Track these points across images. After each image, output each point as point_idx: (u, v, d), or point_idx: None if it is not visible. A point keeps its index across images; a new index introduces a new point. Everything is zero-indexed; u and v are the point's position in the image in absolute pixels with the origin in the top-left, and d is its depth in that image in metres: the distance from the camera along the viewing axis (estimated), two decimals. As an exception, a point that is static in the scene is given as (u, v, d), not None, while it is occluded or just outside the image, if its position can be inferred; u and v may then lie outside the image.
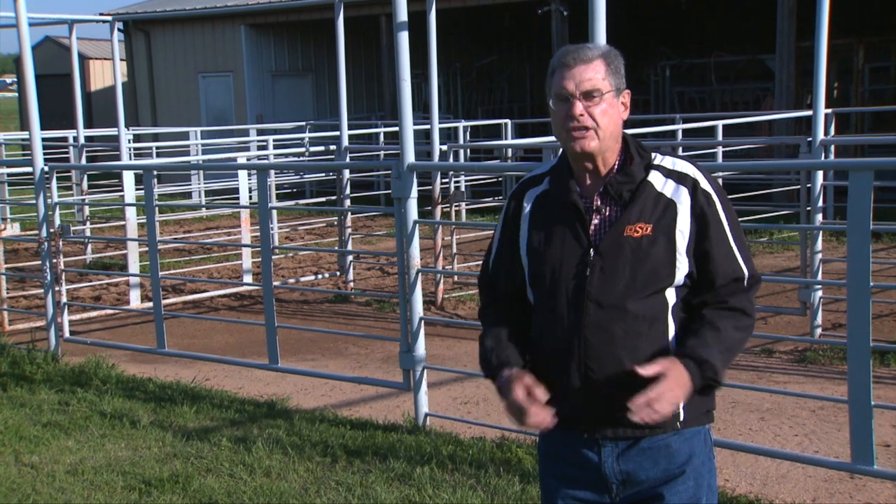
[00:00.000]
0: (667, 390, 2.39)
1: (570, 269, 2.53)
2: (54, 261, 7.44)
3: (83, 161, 12.27)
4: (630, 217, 2.50)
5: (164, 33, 22.70)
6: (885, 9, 18.31)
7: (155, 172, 8.31)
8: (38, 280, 8.53)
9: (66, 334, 7.58)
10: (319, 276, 10.56)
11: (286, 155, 15.56)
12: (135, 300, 9.08)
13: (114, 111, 11.26)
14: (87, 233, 11.50)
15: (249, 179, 9.45)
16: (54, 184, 8.45)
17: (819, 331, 7.29)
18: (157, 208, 6.94)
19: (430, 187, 9.32)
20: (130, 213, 9.41)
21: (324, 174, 16.36)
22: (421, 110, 19.13)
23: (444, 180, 10.06)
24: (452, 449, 5.20)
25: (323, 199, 15.47)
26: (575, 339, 2.52)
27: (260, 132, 18.19)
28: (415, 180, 5.66)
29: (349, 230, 10.33)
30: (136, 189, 9.31)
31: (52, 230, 7.45)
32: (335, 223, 12.44)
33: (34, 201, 7.59)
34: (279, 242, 12.18)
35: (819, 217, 7.47)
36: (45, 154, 8.11)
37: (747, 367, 6.76)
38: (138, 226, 9.97)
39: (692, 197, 2.52)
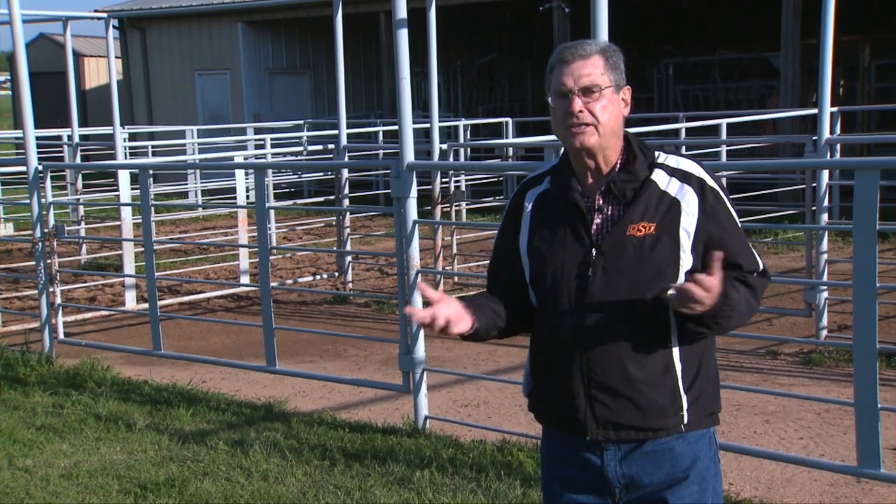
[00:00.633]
0: (712, 286, 2.32)
1: (571, 270, 2.51)
2: (49, 261, 7.40)
3: (78, 160, 12.24)
4: (633, 216, 2.48)
5: (159, 30, 22.61)
6: (891, 6, 18.21)
7: (151, 172, 8.25)
8: (32, 281, 8.46)
9: (61, 336, 7.54)
10: (318, 277, 10.52)
11: (284, 154, 15.52)
12: (130, 301, 9.02)
13: (109, 109, 11.16)
14: (82, 233, 11.44)
15: (247, 179, 9.42)
16: (48, 183, 8.36)
17: (825, 332, 7.24)
18: (153, 208, 6.90)
19: (429, 187, 9.28)
20: (126, 212, 9.33)
21: (322, 173, 16.31)
22: (420, 109, 19.08)
23: (444, 180, 9.99)
24: (452, 452, 5.16)
25: (321, 199, 15.40)
26: (577, 341, 2.50)
27: (257, 131, 18.12)
28: (414, 180, 5.63)
29: (348, 230, 10.27)
30: (132, 189, 9.26)
31: (46, 230, 7.40)
32: (334, 223, 12.37)
33: (28, 201, 7.54)
34: (277, 243, 12.11)
35: (825, 217, 7.43)
36: (39, 153, 8.07)
37: (752, 369, 6.72)
38: (134, 226, 9.87)
39: (700, 195, 2.49)
